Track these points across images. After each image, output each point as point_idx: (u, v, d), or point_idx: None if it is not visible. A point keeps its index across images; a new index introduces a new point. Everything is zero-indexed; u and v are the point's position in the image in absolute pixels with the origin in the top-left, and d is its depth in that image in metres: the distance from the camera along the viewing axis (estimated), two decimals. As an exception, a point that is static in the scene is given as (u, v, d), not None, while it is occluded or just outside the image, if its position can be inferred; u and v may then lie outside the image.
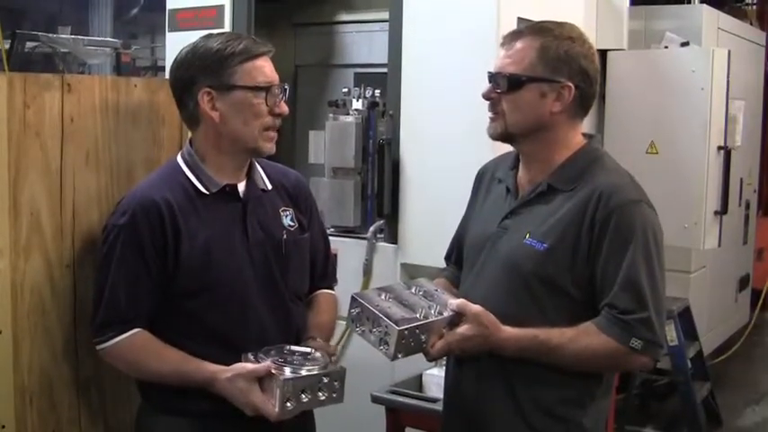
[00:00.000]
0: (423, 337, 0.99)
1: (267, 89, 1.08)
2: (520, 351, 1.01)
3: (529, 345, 1.00)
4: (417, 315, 1.00)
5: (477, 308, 1.00)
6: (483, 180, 1.17)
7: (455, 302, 1.01)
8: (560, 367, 1.01)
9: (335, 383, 1.02)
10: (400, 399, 1.62)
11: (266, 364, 1.01)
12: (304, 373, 1.00)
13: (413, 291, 1.06)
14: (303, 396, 1.00)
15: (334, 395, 1.03)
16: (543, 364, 1.01)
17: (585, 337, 0.99)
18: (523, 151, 1.09)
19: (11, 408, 1.11)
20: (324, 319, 1.20)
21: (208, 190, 1.10)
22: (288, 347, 1.06)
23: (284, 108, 1.11)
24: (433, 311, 1.00)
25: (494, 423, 1.06)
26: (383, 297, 1.03)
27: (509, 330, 1.01)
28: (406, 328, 0.97)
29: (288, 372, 1.00)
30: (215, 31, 1.15)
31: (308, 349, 1.07)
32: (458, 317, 1.01)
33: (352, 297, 1.04)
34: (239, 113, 1.08)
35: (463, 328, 1.00)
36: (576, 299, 1.02)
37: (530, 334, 1.01)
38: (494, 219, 1.08)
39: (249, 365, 1.02)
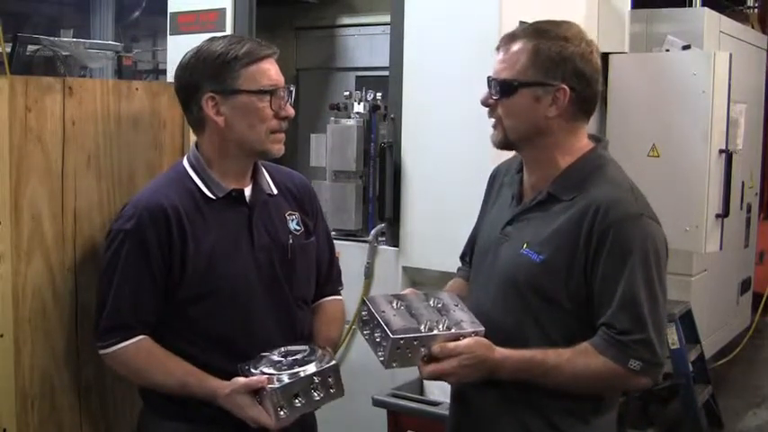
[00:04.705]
0: (423, 350, 0.97)
1: (272, 92, 1.07)
2: (515, 373, 0.98)
3: (524, 366, 0.97)
4: (421, 327, 0.97)
5: (463, 345, 0.96)
6: (496, 181, 1.14)
7: (438, 347, 0.96)
8: (558, 389, 0.98)
9: (330, 380, 1.01)
10: (401, 402, 1.62)
11: (256, 377, 1.01)
12: (290, 379, 0.99)
13: (430, 303, 1.03)
14: (296, 401, 0.99)
15: (332, 391, 1.01)
16: (541, 386, 0.98)
17: (583, 358, 0.96)
18: (525, 157, 1.06)
19: (12, 411, 1.11)
20: (333, 332, 1.19)
21: (214, 195, 1.09)
22: (283, 349, 1.05)
23: (290, 111, 1.10)
24: (440, 326, 0.97)
25: None
26: (394, 304, 1.01)
27: (503, 352, 0.98)
28: (402, 338, 0.95)
29: (276, 381, 0.99)
30: (218, 35, 1.14)
31: (305, 347, 1.05)
32: (461, 335, 0.98)
33: (362, 300, 1.04)
34: (244, 118, 1.07)
35: (455, 362, 0.96)
36: (571, 313, 0.99)
37: (525, 356, 0.98)
38: (498, 224, 1.07)
39: (242, 380, 1.02)
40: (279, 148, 1.11)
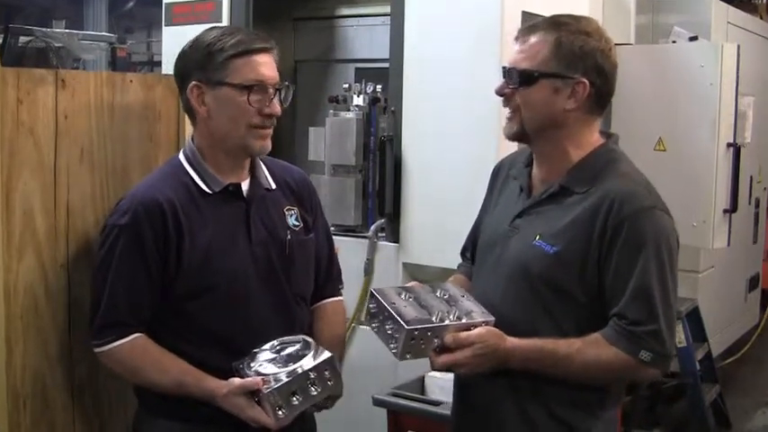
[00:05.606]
0: (436, 341, 0.96)
1: (253, 87, 1.04)
2: (525, 362, 0.99)
3: (535, 356, 0.98)
4: (433, 318, 0.97)
5: (475, 334, 0.97)
6: (499, 175, 1.15)
7: (450, 338, 0.96)
8: (567, 379, 0.99)
9: (326, 373, 0.99)
10: (402, 401, 1.59)
11: (251, 379, 1.00)
12: (286, 378, 0.98)
13: (437, 294, 1.03)
14: (294, 399, 0.98)
15: (330, 383, 1.00)
16: (550, 377, 0.99)
17: (593, 349, 0.97)
18: (537, 150, 1.06)
19: (4, 411, 1.09)
20: (338, 335, 1.18)
21: (211, 189, 1.08)
22: (276, 343, 1.03)
23: (275, 109, 1.06)
24: (451, 316, 0.97)
25: None
26: (402, 296, 1.00)
27: (513, 341, 0.98)
28: (416, 329, 0.95)
29: (272, 380, 0.98)
30: (219, 24, 1.13)
31: (298, 339, 1.04)
32: (472, 325, 0.98)
33: (371, 292, 1.02)
34: (225, 110, 1.06)
35: (468, 352, 0.96)
36: (584, 305, 1.00)
37: (536, 345, 0.98)
38: (506, 217, 1.07)
39: (238, 381, 1.01)
40: (262, 145, 1.08)
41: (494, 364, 0.97)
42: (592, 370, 0.98)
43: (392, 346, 0.96)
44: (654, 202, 0.99)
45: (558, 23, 1.00)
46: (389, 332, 0.96)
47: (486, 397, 1.04)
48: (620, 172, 1.01)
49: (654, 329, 0.96)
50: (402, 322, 0.94)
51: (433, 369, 1.00)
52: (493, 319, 0.99)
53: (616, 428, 1.07)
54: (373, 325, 1.00)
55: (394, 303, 0.98)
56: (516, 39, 1.03)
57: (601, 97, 1.01)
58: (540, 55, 0.99)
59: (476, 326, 0.97)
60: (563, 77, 0.99)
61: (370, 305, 1.01)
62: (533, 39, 1.00)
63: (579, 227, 0.98)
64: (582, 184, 1.01)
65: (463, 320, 0.97)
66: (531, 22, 1.03)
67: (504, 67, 1.03)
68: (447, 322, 0.96)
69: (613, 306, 0.97)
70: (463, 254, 1.21)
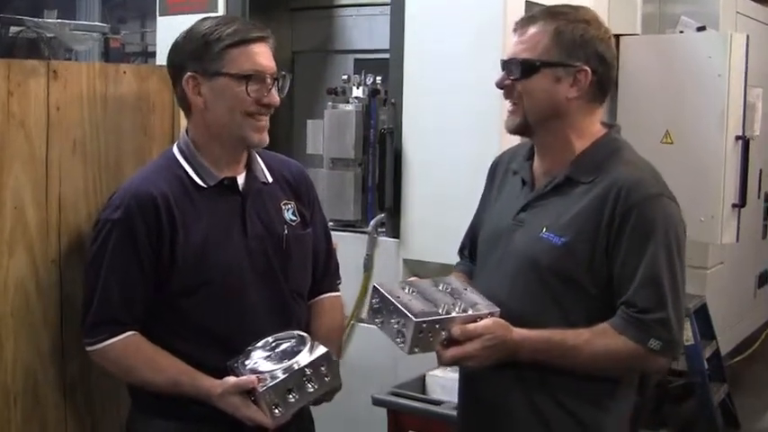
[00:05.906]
0: (443, 333, 0.95)
1: (251, 77, 1.03)
2: (534, 353, 0.97)
3: (543, 347, 0.97)
4: (439, 310, 0.96)
5: (482, 326, 0.96)
6: (497, 171, 1.14)
7: (458, 329, 0.95)
8: (576, 370, 0.98)
9: (322, 369, 0.98)
10: (402, 401, 1.57)
11: (246, 378, 0.98)
12: (282, 375, 0.97)
13: (440, 287, 1.02)
14: (290, 396, 0.97)
15: (327, 379, 0.98)
16: (558, 368, 0.97)
17: (602, 338, 0.97)
18: (539, 142, 1.05)
19: (-7, 408, 1.07)
20: (335, 333, 1.17)
21: (206, 183, 1.06)
22: (271, 340, 1.02)
23: (273, 99, 1.05)
24: (457, 308, 0.97)
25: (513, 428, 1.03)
26: (406, 290, 1.00)
27: (521, 332, 0.97)
28: (423, 321, 0.93)
29: (269, 378, 0.96)
30: (213, 15, 1.11)
31: (292, 334, 1.02)
32: (479, 317, 0.97)
33: (374, 287, 1.00)
34: (222, 101, 1.04)
35: (478, 344, 0.95)
36: (594, 296, 0.99)
37: (544, 335, 0.97)
38: (509, 212, 1.06)
39: (233, 380, 1.00)
40: (260, 138, 1.06)
41: (502, 355, 0.97)
42: (600, 360, 0.97)
43: (399, 340, 0.95)
44: (661, 190, 0.99)
45: (555, 13, 1.01)
46: (395, 327, 0.95)
47: (494, 389, 1.03)
48: (624, 160, 1.01)
49: (662, 317, 0.95)
50: (410, 315, 0.93)
51: (441, 363, 0.99)
52: (498, 310, 0.99)
53: (628, 423, 1.05)
54: (377, 320, 0.98)
55: (399, 297, 0.97)
56: (514, 30, 1.03)
57: (602, 85, 1.01)
58: (541, 45, 0.99)
59: (482, 317, 0.97)
60: (565, 66, 0.98)
61: (373, 300, 0.99)
62: (532, 29, 1.00)
63: (587, 216, 0.98)
64: (587, 173, 1.00)
65: (470, 312, 0.96)
66: (528, 14, 1.03)
67: (502, 60, 1.02)
68: (454, 314, 0.95)
69: (622, 294, 0.97)
70: (461, 252, 1.19)
